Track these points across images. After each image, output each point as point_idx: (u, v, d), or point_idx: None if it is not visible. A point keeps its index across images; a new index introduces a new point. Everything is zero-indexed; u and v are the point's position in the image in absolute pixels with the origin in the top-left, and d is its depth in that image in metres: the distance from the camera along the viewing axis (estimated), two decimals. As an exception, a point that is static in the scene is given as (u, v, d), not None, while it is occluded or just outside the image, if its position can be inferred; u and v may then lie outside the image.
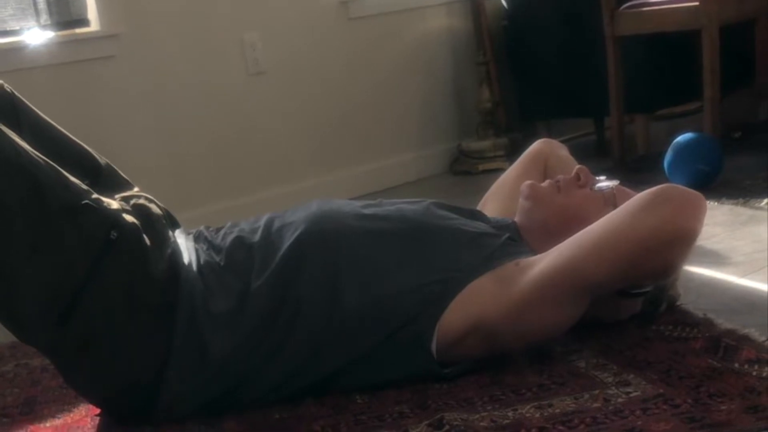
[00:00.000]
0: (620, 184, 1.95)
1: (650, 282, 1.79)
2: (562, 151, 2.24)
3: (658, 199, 1.67)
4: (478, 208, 2.16)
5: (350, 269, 1.73)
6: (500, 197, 2.20)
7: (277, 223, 1.83)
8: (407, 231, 1.80)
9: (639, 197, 1.71)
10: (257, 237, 1.80)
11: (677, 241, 1.65)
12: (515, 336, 1.72)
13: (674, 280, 1.94)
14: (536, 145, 2.27)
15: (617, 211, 1.73)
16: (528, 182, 1.99)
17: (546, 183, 1.98)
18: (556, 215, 1.91)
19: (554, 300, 1.70)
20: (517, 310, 1.69)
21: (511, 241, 1.85)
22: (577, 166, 1.99)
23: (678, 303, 1.97)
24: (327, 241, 1.76)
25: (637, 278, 1.75)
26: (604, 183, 1.94)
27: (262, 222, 1.85)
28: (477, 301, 1.70)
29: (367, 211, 1.85)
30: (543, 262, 1.71)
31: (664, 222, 1.64)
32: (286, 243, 1.75)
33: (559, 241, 1.74)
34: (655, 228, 1.64)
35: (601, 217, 1.76)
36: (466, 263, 1.75)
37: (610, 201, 1.89)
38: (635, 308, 1.90)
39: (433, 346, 1.70)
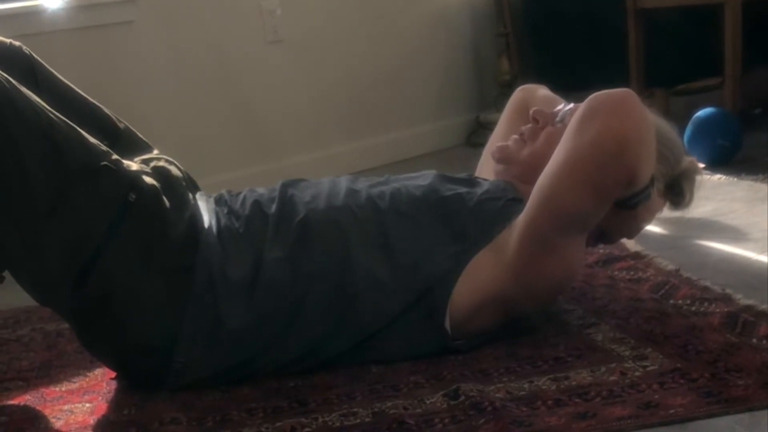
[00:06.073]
0: (575, 105, 1.86)
1: (628, 189, 1.66)
2: (541, 90, 2.16)
3: (588, 113, 1.60)
4: (476, 174, 2.14)
5: (359, 248, 1.72)
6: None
7: (290, 194, 1.82)
8: (413, 207, 1.79)
9: (573, 117, 1.65)
10: (273, 208, 1.79)
11: (624, 145, 1.57)
12: (526, 297, 1.72)
13: (679, 158, 1.86)
14: (515, 95, 2.20)
15: (562, 139, 1.67)
16: (497, 145, 1.97)
17: (511, 140, 1.94)
18: (531, 165, 1.85)
19: (544, 246, 1.68)
20: (516, 269, 1.69)
21: (511, 201, 1.82)
22: (532, 110, 1.93)
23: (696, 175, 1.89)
24: (335, 221, 1.75)
25: (611, 192, 1.64)
26: (560, 114, 1.89)
27: (277, 191, 1.84)
28: (481, 275, 1.71)
29: (373, 190, 1.84)
30: (522, 215, 1.70)
31: (601, 133, 1.57)
32: (297, 220, 1.75)
33: None
34: (596, 142, 1.58)
35: None
36: (469, 235, 1.74)
37: None
38: (657, 207, 1.84)
39: (447, 323, 1.71)
